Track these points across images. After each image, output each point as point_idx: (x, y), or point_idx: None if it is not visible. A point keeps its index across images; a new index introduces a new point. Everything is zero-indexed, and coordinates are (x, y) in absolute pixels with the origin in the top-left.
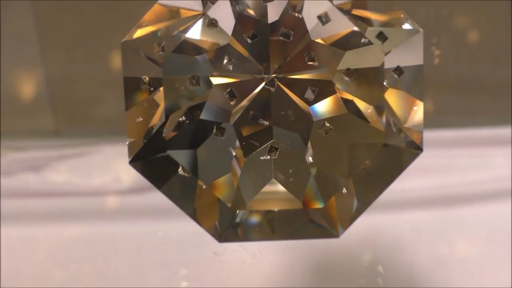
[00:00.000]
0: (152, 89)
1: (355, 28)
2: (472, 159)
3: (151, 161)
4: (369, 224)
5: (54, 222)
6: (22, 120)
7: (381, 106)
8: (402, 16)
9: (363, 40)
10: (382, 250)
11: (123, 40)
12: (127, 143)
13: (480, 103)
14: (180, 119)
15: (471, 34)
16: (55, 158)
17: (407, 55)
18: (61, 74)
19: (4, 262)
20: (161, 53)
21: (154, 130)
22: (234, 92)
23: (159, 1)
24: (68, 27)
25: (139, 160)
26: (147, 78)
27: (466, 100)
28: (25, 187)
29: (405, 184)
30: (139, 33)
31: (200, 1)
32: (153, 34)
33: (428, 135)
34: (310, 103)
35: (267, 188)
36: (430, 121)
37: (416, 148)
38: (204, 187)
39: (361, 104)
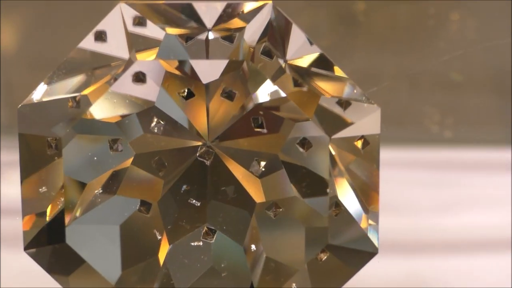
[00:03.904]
0: (58, 153)
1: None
2: None
3: (51, 249)
4: (400, 270)
5: (5, 248)
6: None
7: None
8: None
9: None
10: None
11: (21, 104)
12: (22, 223)
13: None
14: (96, 191)
15: None
16: (8, 164)
17: (365, 126)
18: (13, 54)
19: None
20: (76, 109)
21: (59, 208)
22: (163, 161)
23: (79, 45)
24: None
25: (36, 248)
26: (53, 140)
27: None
28: None
29: (451, 219)
30: (45, 93)
31: (127, 47)
32: (61, 99)
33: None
34: (256, 178)
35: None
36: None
37: (373, 250)
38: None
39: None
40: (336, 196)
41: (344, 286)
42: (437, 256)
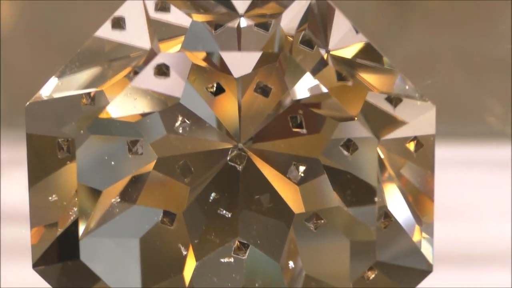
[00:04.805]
0: (71, 156)
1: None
2: None
3: (62, 265)
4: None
5: (9, 257)
6: None
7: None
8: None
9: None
10: None
11: (29, 102)
12: (31, 235)
13: None
14: (113, 200)
15: None
16: (8, 162)
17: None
18: (12, 28)
19: None
20: (90, 106)
21: (71, 219)
22: (189, 165)
23: (95, 34)
24: None
25: (46, 265)
26: (65, 141)
27: None
28: None
29: None
30: (56, 88)
31: (148, 36)
32: (73, 95)
33: None
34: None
35: None
36: None
37: (427, 268)
38: None
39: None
40: (385, 206)
41: None
42: (504, 271)
